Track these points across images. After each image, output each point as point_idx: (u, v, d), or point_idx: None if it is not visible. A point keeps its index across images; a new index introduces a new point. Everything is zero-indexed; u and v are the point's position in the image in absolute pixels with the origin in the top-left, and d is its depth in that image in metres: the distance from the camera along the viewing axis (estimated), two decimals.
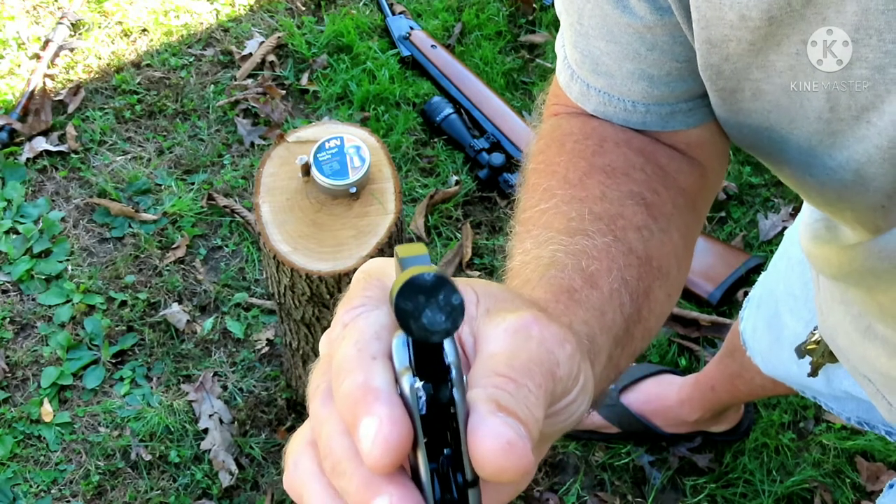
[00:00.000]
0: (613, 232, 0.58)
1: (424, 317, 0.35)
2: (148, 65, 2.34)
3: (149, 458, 1.77)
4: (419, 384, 0.37)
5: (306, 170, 1.44)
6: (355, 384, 0.37)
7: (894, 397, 0.86)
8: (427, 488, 0.38)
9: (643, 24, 0.60)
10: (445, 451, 0.38)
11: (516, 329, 0.41)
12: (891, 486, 1.04)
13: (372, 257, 1.41)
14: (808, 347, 1.04)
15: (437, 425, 0.38)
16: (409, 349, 0.38)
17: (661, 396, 1.74)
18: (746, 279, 1.98)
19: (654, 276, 0.59)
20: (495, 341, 0.41)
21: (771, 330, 1.21)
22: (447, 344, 0.38)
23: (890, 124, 0.53)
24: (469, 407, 0.38)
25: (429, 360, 0.38)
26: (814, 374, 1.05)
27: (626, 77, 0.63)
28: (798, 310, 1.11)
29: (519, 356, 0.40)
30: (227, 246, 2.05)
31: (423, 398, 0.37)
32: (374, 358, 0.38)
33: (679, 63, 0.62)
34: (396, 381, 0.38)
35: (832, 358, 0.99)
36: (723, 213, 2.13)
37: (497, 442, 0.36)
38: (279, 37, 2.40)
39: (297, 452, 0.42)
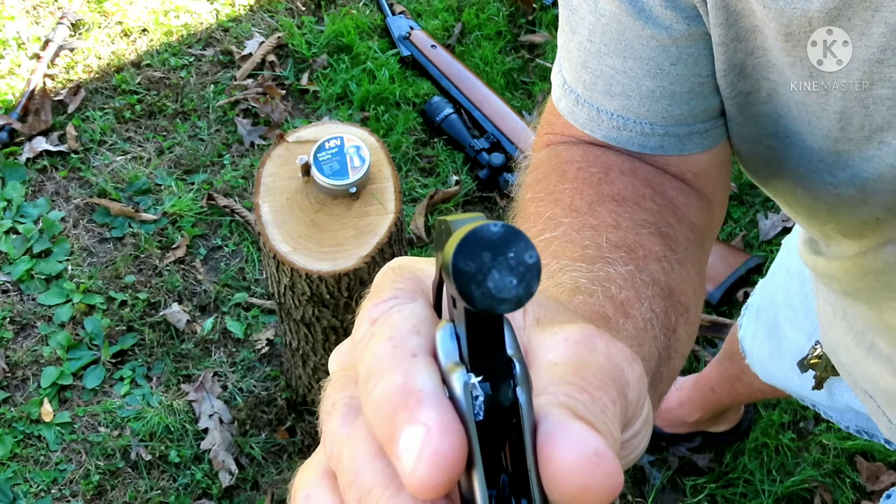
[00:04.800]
0: (635, 261, 0.53)
1: (490, 280, 0.27)
2: (148, 65, 2.34)
3: (149, 458, 1.77)
4: (475, 380, 0.29)
5: (306, 170, 1.44)
6: (392, 387, 0.29)
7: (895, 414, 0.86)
8: None
9: (669, 36, 0.57)
10: (503, 475, 0.30)
11: (579, 340, 0.34)
12: (888, 497, 1.04)
13: (372, 257, 1.41)
14: (811, 361, 1.03)
15: (496, 437, 0.30)
16: (458, 342, 0.30)
17: None
18: (746, 279, 1.98)
19: (678, 312, 0.54)
20: (555, 351, 0.33)
21: (771, 340, 1.20)
22: (507, 332, 0.30)
23: None
24: (537, 414, 0.30)
25: (487, 350, 0.30)
26: (818, 387, 1.04)
27: (644, 97, 0.59)
28: (798, 322, 1.10)
29: (588, 367, 0.33)
30: (227, 246, 2.05)
31: (481, 399, 0.29)
32: (415, 355, 0.30)
33: (702, 78, 0.59)
34: (444, 382, 0.30)
35: (835, 371, 0.98)
36: (721, 226, 2.13)
37: (581, 453, 0.28)
38: (279, 37, 2.40)
39: (309, 485, 0.33)
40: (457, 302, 0.30)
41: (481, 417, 0.29)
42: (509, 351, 0.30)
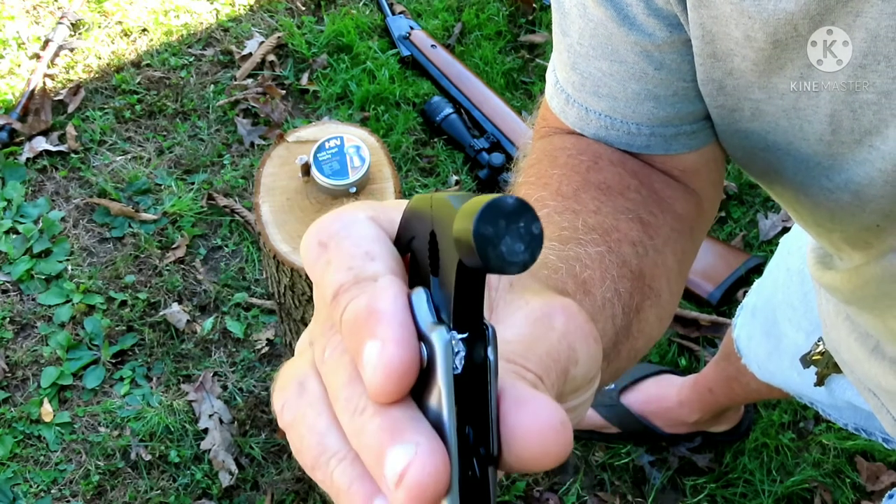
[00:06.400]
0: (608, 243, 0.56)
1: (504, 244, 0.31)
2: (148, 65, 2.34)
3: (149, 458, 1.77)
4: (459, 338, 0.33)
5: (306, 170, 1.44)
6: (358, 309, 0.34)
7: None
8: (454, 461, 0.33)
9: (652, 43, 0.59)
10: (467, 426, 0.34)
11: (538, 317, 0.38)
12: (890, 497, 1.04)
13: None
14: (814, 358, 1.03)
15: (464, 391, 0.34)
16: (431, 306, 0.35)
17: (661, 397, 1.74)
18: (746, 279, 1.98)
19: (645, 294, 0.57)
20: (513, 327, 0.38)
21: (769, 339, 1.21)
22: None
23: (895, 148, 0.53)
24: (501, 380, 0.34)
25: (469, 313, 0.34)
26: (819, 383, 1.05)
27: (630, 98, 0.62)
28: (798, 320, 1.10)
29: (536, 348, 0.37)
30: (227, 246, 2.05)
31: (462, 354, 0.33)
32: (375, 279, 0.35)
33: (686, 83, 0.60)
34: (421, 339, 0.34)
35: (837, 369, 0.98)
36: (723, 213, 2.13)
37: (550, 421, 0.33)
38: (279, 37, 2.40)
39: (304, 374, 0.37)
40: (443, 266, 0.34)
41: (459, 371, 0.33)
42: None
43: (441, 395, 0.33)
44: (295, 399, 0.36)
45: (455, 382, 0.33)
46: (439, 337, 0.33)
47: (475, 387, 0.34)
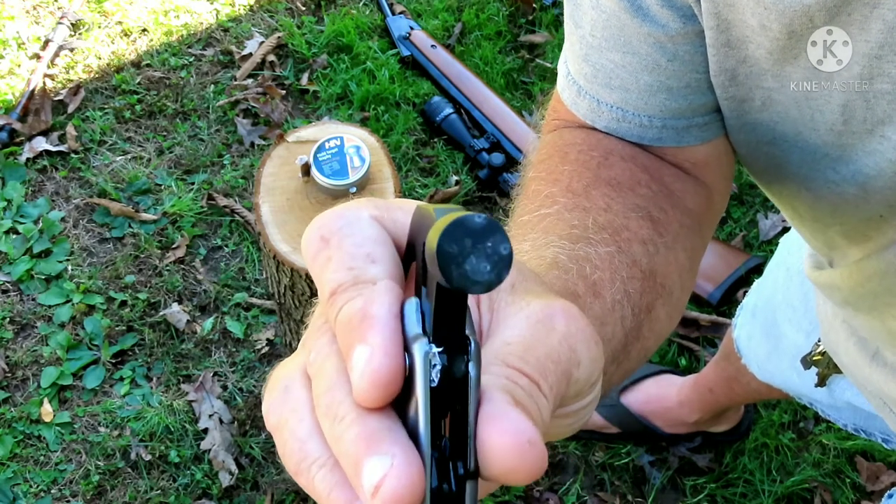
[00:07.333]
0: (617, 243, 0.56)
1: (468, 263, 0.31)
2: (148, 65, 2.34)
3: (149, 458, 1.77)
4: (436, 350, 0.33)
5: (306, 170, 1.44)
6: (353, 310, 0.34)
7: None
8: (427, 473, 0.33)
9: (665, 34, 0.59)
10: (444, 439, 0.35)
11: (539, 319, 0.37)
12: (890, 497, 1.04)
13: None
14: (814, 358, 1.03)
15: (443, 404, 0.34)
16: (421, 316, 0.35)
17: (661, 397, 1.74)
18: (746, 279, 1.98)
19: (656, 293, 0.57)
20: (513, 328, 0.37)
21: (768, 339, 1.20)
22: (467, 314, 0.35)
23: None
24: (482, 393, 0.34)
25: (449, 326, 0.34)
26: (821, 384, 1.04)
27: (643, 90, 0.61)
28: (798, 321, 1.10)
29: (536, 350, 0.36)
30: (227, 246, 2.05)
31: (438, 367, 0.33)
32: (374, 283, 0.35)
33: (699, 74, 0.60)
34: (406, 349, 0.34)
35: (838, 369, 0.98)
36: (723, 213, 2.13)
37: (517, 438, 0.33)
38: (279, 37, 2.40)
39: (291, 378, 0.37)
40: (429, 279, 0.34)
41: (436, 384, 0.33)
42: (467, 329, 0.34)
43: (418, 406, 0.33)
44: (279, 403, 0.37)
45: (432, 395, 0.33)
46: (419, 349, 0.33)
47: (455, 400, 0.34)
